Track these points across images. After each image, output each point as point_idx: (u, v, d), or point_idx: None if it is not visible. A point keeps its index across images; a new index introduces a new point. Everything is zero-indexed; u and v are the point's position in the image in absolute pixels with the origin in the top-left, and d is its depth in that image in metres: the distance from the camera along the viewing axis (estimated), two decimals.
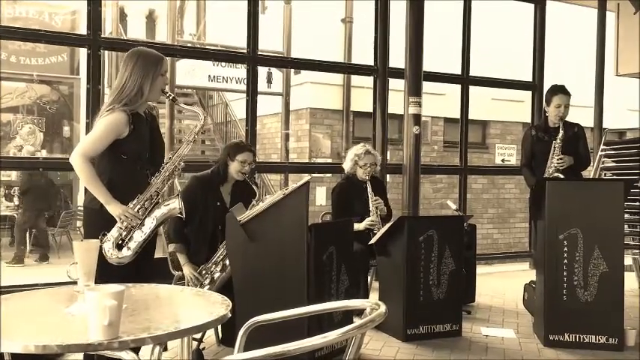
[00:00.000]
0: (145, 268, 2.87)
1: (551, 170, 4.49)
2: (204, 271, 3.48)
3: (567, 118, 4.62)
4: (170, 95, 2.97)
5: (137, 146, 2.82)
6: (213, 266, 3.48)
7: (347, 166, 4.62)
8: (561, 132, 4.50)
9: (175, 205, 2.84)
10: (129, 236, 2.76)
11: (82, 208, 3.58)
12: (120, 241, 2.75)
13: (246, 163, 3.63)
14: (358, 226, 4.34)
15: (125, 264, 2.75)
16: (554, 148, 4.50)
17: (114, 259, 2.73)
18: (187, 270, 3.51)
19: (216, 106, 11.90)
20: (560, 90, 4.60)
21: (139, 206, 2.77)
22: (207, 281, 3.46)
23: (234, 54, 7.17)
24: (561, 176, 4.41)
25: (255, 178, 3.67)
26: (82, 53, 9.20)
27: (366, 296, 4.35)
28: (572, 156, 4.52)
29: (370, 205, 4.42)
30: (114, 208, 2.73)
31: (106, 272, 2.45)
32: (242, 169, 3.62)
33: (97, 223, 2.78)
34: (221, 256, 3.48)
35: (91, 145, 2.76)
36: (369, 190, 4.44)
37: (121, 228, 2.75)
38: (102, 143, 2.75)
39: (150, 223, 2.79)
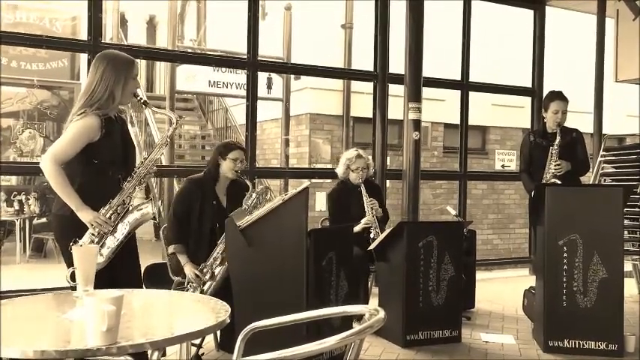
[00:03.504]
0: (127, 276, 2.81)
1: (548, 176, 4.49)
2: (205, 269, 3.50)
3: (566, 124, 4.63)
4: (142, 99, 2.90)
5: (109, 151, 2.76)
6: (213, 262, 3.50)
7: (340, 171, 4.65)
8: (558, 137, 4.51)
9: (149, 209, 2.79)
10: (102, 243, 2.70)
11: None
12: None
13: (238, 160, 3.68)
14: (355, 229, 4.35)
15: (100, 272, 2.62)
16: (552, 153, 4.51)
17: None
18: (188, 269, 3.53)
19: (216, 112, 11.91)
20: (557, 96, 4.61)
21: (110, 212, 2.72)
22: (207, 277, 3.48)
23: (234, 59, 7.19)
24: (558, 182, 4.41)
25: (246, 178, 3.69)
26: (83, 59, 9.21)
27: (366, 302, 4.34)
28: (570, 161, 4.52)
29: (365, 205, 4.44)
30: (85, 215, 2.67)
31: None
32: (234, 167, 3.67)
33: (69, 230, 2.71)
34: (219, 252, 3.51)
35: (62, 149, 2.69)
36: (364, 192, 4.47)
37: (93, 234, 2.69)
38: (73, 148, 2.69)
39: (123, 229, 2.74)
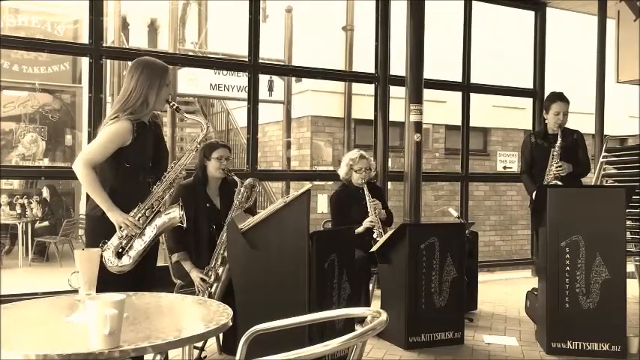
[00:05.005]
0: (146, 275, 2.87)
1: (549, 177, 4.48)
2: (210, 272, 3.50)
3: (567, 125, 4.62)
4: (174, 105, 2.99)
5: (140, 155, 2.83)
6: (215, 263, 3.50)
7: (342, 172, 4.65)
8: (559, 139, 4.50)
9: (176, 214, 2.84)
10: (129, 245, 2.77)
11: (83, 217, 3.59)
12: (120, 250, 2.75)
13: (223, 158, 3.69)
14: (358, 230, 4.35)
15: (126, 273, 2.76)
16: (553, 155, 4.50)
17: (114, 267, 2.73)
18: (194, 275, 3.53)
19: (217, 114, 11.92)
20: (558, 97, 4.61)
21: (139, 215, 2.78)
22: (212, 279, 3.48)
23: (235, 62, 7.20)
24: (560, 183, 4.41)
25: (233, 175, 3.69)
26: (85, 62, 9.23)
27: (368, 304, 4.34)
28: (571, 162, 4.52)
29: (368, 206, 4.44)
30: (115, 216, 2.74)
31: (105, 280, 2.44)
32: (220, 166, 3.68)
33: (99, 230, 2.79)
34: (219, 252, 3.51)
35: (94, 152, 2.78)
36: (367, 192, 4.47)
37: (121, 236, 2.75)
38: (105, 151, 2.77)
39: (150, 232, 2.80)
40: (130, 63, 2.97)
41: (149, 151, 2.88)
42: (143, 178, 2.86)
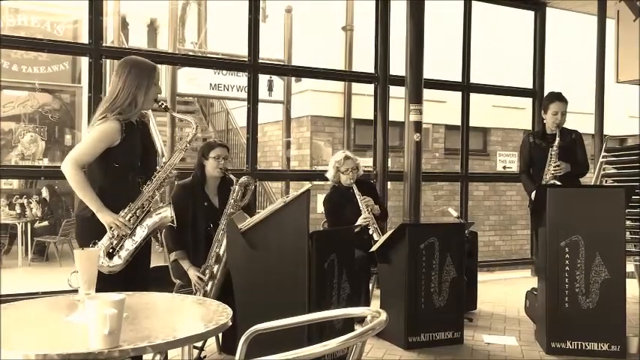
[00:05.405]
0: (138, 276, 2.85)
1: (547, 177, 4.49)
2: (206, 270, 3.51)
3: (567, 125, 4.62)
4: (163, 104, 2.96)
5: (129, 155, 2.81)
6: (210, 261, 3.51)
7: (330, 175, 4.67)
8: (557, 139, 4.50)
9: (167, 213, 2.83)
10: (120, 245, 2.75)
11: None
12: (111, 250, 2.74)
13: (220, 157, 3.70)
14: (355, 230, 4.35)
15: (117, 273, 2.74)
16: (551, 155, 4.51)
17: (105, 267, 2.71)
18: (191, 273, 3.54)
19: (217, 114, 11.92)
20: (557, 97, 4.61)
21: (130, 215, 2.77)
22: (207, 277, 3.49)
23: (235, 62, 7.20)
24: (558, 183, 4.41)
25: (230, 174, 3.69)
26: (84, 62, 9.23)
27: (368, 304, 4.34)
28: (570, 162, 4.52)
29: (360, 204, 4.45)
30: (105, 217, 2.72)
31: (104, 279, 2.43)
32: (218, 165, 3.69)
33: (89, 231, 2.77)
34: (214, 249, 3.52)
35: (82, 153, 2.76)
36: (356, 191, 4.49)
37: (111, 237, 2.74)
38: (93, 151, 2.75)
39: (141, 232, 2.78)
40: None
41: (138, 151, 2.86)
42: (132, 178, 2.84)
